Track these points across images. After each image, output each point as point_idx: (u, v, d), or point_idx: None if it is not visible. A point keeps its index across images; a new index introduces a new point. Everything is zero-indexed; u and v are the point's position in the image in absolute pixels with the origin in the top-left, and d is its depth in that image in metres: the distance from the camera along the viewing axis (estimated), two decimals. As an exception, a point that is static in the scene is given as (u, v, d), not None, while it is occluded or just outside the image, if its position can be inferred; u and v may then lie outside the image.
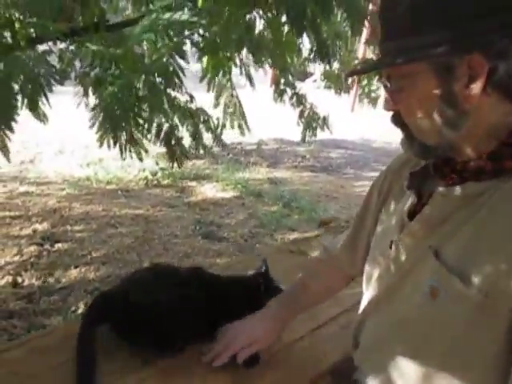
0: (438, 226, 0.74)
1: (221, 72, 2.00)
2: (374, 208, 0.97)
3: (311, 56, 3.29)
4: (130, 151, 2.08)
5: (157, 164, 4.82)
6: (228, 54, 1.54)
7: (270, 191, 4.73)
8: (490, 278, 0.65)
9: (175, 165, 2.90)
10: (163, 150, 5.68)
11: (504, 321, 0.65)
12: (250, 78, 2.60)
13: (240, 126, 2.87)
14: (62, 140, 5.57)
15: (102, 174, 4.58)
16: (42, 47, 1.95)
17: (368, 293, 0.92)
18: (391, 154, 7.07)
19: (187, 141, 2.86)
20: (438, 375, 0.75)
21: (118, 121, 1.59)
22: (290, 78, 3.79)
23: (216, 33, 1.30)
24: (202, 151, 2.79)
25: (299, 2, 1.26)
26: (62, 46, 2.53)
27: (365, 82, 4.82)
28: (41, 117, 2.76)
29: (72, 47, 2.30)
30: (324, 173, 5.71)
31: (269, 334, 1.05)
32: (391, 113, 0.77)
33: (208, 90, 2.69)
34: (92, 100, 2.82)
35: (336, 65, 4.11)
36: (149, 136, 2.15)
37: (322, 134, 3.84)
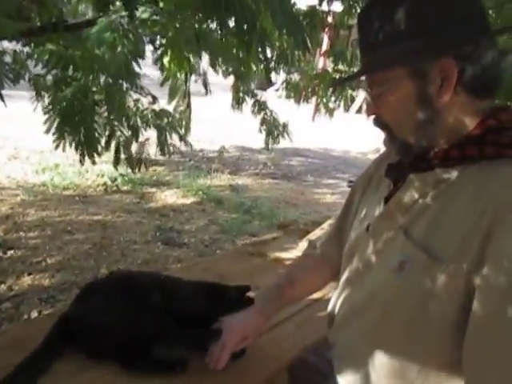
0: (408, 208, 0.81)
1: (181, 74, 2.00)
2: (356, 201, 1.04)
3: (272, 65, 3.36)
4: (85, 155, 2.03)
5: (116, 170, 4.74)
6: (189, 55, 1.56)
7: (230, 198, 4.73)
8: (450, 248, 0.72)
9: (135, 169, 2.87)
10: (123, 155, 5.59)
11: (461, 289, 0.71)
12: (205, 84, 2.62)
13: (186, 127, 2.88)
14: (16, 145, 5.39)
15: (58, 179, 4.45)
16: (-5, 46, 1.90)
17: (345, 273, 0.96)
18: (349, 162, 7.25)
19: (153, 141, 2.85)
20: (398, 343, 0.80)
21: (74, 123, 1.56)
22: (252, 85, 3.84)
23: (176, 31, 1.31)
24: (167, 154, 2.76)
25: (248, 15, 1.29)
26: (17, 47, 2.48)
27: (320, 93, 4.94)
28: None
29: (26, 48, 2.26)
30: (284, 180, 5.77)
31: (257, 328, 1.08)
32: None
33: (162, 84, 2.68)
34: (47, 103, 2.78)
35: (296, 75, 4.19)
36: (102, 142, 2.11)
37: (283, 143, 3.91)
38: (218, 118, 7.81)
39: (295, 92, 3.74)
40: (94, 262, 3.07)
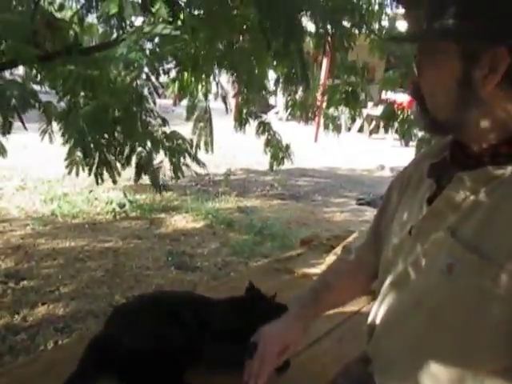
0: (455, 208, 0.77)
1: (201, 90, 2.01)
2: (394, 201, 0.99)
3: (280, 83, 3.37)
4: (102, 175, 2.00)
5: (125, 196, 4.72)
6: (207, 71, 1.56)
7: (240, 220, 4.69)
8: (504, 250, 0.68)
9: (144, 196, 2.85)
10: (131, 182, 5.59)
11: None
12: (225, 102, 2.62)
13: (207, 143, 2.87)
14: (23, 176, 5.39)
15: (67, 208, 4.42)
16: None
17: (386, 281, 0.91)
18: (356, 180, 7.24)
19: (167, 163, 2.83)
20: (451, 350, 0.76)
21: (91, 142, 1.54)
22: (253, 108, 3.84)
23: (198, 48, 1.30)
24: (180, 176, 2.74)
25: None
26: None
27: (329, 110, 4.96)
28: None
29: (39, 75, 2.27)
30: (293, 200, 5.74)
31: (297, 336, 1.02)
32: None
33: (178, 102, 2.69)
34: (55, 129, 2.77)
35: (300, 93, 4.22)
36: (121, 160, 2.09)
37: (288, 164, 3.91)
38: (220, 143, 7.83)
39: (301, 110, 3.73)
40: (107, 289, 3.01)
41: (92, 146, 1.62)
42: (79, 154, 2.46)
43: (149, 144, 2.21)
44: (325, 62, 9.77)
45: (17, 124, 2.58)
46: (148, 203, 4.83)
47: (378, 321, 0.92)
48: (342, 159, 8.58)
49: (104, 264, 3.37)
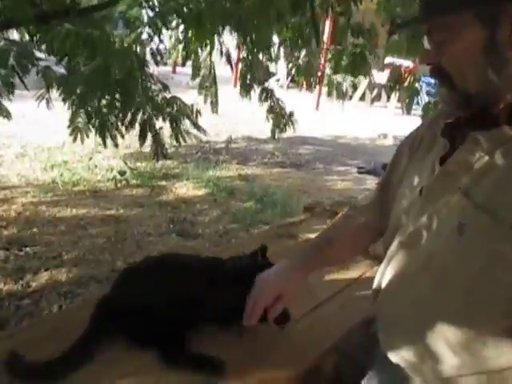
0: (469, 168, 0.76)
1: (206, 48, 1.95)
2: (404, 163, 0.97)
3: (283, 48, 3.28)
4: (105, 138, 1.97)
5: (125, 164, 4.69)
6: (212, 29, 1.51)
7: (241, 188, 4.68)
8: None
9: (144, 164, 2.82)
10: (131, 150, 5.56)
11: None
12: (228, 57, 2.56)
13: (212, 103, 2.82)
14: (22, 143, 5.34)
15: (67, 176, 4.40)
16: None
17: (394, 242, 0.90)
18: (357, 148, 7.18)
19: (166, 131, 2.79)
20: (460, 309, 0.76)
21: (93, 105, 1.50)
22: (256, 74, 3.77)
23: (202, 5, 1.26)
24: (180, 141, 2.70)
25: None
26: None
27: (334, 76, 4.87)
28: (3, 113, 2.63)
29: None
30: (294, 168, 5.71)
31: (292, 284, 1.01)
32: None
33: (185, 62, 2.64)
34: (54, 96, 2.72)
35: (302, 58, 4.13)
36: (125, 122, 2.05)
37: (289, 132, 3.86)
38: (220, 111, 7.75)
39: (306, 75, 3.66)
40: (109, 256, 3.03)
41: (94, 108, 1.57)
42: (81, 120, 2.43)
43: (149, 109, 2.16)
44: (327, 25, 9.54)
45: (15, 92, 2.54)
46: (148, 171, 4.81)
47: (384, 281, 0.91)
48: (344, 128, 8.49)
49: (106, 231, 3.37)
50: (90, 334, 0.91)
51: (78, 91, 1.57)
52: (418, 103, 11.43)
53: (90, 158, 4.90)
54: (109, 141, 3.07)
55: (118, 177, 4.46)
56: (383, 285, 0.92)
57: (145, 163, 5.00)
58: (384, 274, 0.92)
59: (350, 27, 2.78)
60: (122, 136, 2.18)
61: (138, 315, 0.94)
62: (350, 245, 1.11)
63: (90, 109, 1.69)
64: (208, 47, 1.91)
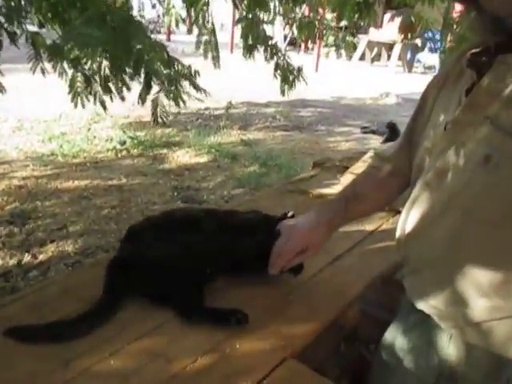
0: (497, 95, 0.69)
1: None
2: (430, 104, 0.90)
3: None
4: (110, 91, 1.87)
5: (124, 133, 4.61)
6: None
7: (244, 152, 4.61)
8: None
9: (143, 133, 2.72)
10: (129, 119, 5.46)
11: None
12: None
13: (214, 58, 2.71)
14: (18, 117, 5.24)
15: (66, 147, 4.32)
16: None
17: (417, 184, 0.84)
18: (360, 108, 7.06)
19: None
20: (490, 246, 0.71)
21: (95, 49, 1.41)
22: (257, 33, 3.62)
23: None
24: (182, 105, 2.60)
25: None
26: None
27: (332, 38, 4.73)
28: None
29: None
30: (296, 131, 5.61)
31: (319, 239, 0.99)
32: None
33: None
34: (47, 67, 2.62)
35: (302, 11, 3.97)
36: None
37: (298, 87, 3.72)
38: (218, 77, 7.58)
39: (308, 31, 3.51)
40: (115, 225, 3.00)
41: (92, 68, 1.48)
42: (80, 84, 2.34)
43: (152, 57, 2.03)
44: None
45: (6, 66, 2.43)
46: (149, 140, 4.73)
47: (408, 225, 0.85)
48: (345, 88, 8.33)
49: (109, 201, 3.33)
50: (107, 295, 0.87)
51: (71, 48, 1.47)
52: (419, 61, 11.27)
53: (89, 129, 4.82)
54: (107, 109, 3.00)
55: (119, 146, 4.39)
56: (408, 227, 0.86)
57: (144, 132, 4.92)
58: (407, 218, 0.86)
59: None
60: (128, 88, 2.08)
61: (152, 271, 0.90)
62: (377, 198, 1.06)
63: (87, 67, 1.60)
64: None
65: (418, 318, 0.85)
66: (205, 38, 2.70)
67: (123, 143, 4.42)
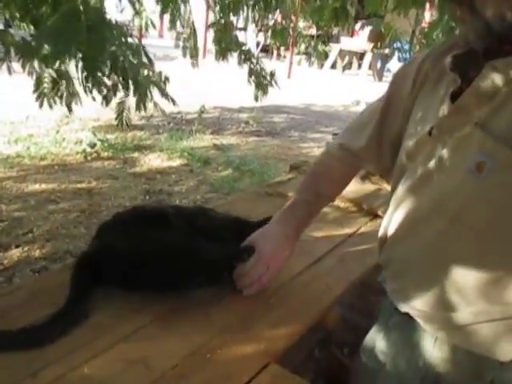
0: (487, 100, 0.68)
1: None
2: (405, 99, 0.89)
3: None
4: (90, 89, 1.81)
5: (94, 135, 4.50)
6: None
7: (217, 157, 4.58)
8: None
9: (114, 136, 2.67)
10: (100, 122, 5.35)
11: None
12: None
13: (192, 53, 2.69)
14: (-18, 118, 5.06)
15: (34, 149, 4.19)
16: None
17: (401, 186, 0.83)
18: (332, 115, 7.14)
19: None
20: (476, 251, 0.71)
21: (68, 46, 1.36)
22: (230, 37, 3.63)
23: None
24: (150, 109, 2.56)
25: None
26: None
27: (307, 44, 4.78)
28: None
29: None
30: (269, 137, 5.62)
31: (291, 252, 1.01)
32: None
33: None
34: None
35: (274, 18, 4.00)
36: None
37: (271, 92, 3.73)
38: (190, 81, 7.54)
39: (282, 38, 3.54)
40: (84, 230, 2.91)
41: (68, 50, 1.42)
42: (46, 85, 2.26)
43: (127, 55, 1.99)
44: None
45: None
46: (119, 143, 4.64)
47: (392, 227, 0.84)
48: (317, 95, 8.42)
49: (78, 204, 3.24)
50: (76, 293, 0.83)
51: (43, 45, 1.42)
52: (388, 70, 11.51)
53: (58, 131, 4.68)
54: (76, 112, 2.91)
55: (88, 149, 4.28)
56: (391, 231, 0.85)
57: (115, 135, 4.82)
58: (391, 220, 0.85)
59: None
60: (107, 88, 2.02)
61: (126, 261, 0.87)
62: (336, 193, 1.11)
63: (55, 68, 1.55)
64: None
65: (401, 321, 0.84)
66: (183, 36, 2.67)
67: (93, 146, 4.31)
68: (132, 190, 3.60)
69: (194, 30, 2.73)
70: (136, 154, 4.46)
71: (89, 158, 4.21)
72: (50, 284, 0.90)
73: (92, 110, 4.19)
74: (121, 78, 1.91)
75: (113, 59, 1.64)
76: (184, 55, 2.89)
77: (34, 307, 0.83)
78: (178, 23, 2.66)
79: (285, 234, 0.99)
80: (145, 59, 2.07)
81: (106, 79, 2.09)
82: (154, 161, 4.34)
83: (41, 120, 5.09)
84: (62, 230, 2.88)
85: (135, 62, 1.90)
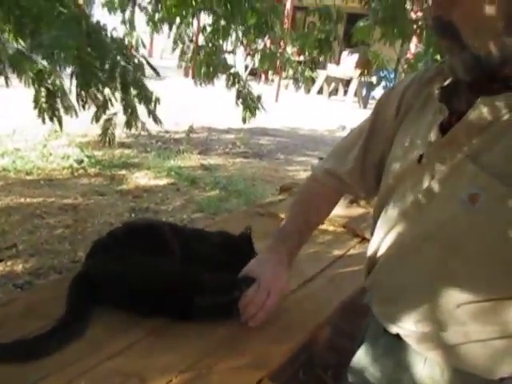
0: (478, 134, 0.71)
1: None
2: (388, 124, 0.92)
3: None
4: (84, 100, 1.83)
5: (82, 151, 4.49)
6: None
7: (204, 177, 4.60)
8: None
9: (102, 152, 2.68)
10: (87, 138, 5.33)
11: None
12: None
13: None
14: (-31, 131, 5.02)
15: (20, 163, 4.16)
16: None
17: (389, 211, 0.86)
18: (317, 139, 7.24)
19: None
20: (467, 279, 0.73)
21: (70, 51, 1.37)
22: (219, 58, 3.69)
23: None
24: (138, 126, 2.59)
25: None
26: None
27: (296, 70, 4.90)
28: None
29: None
30: (256, 158, 5.67)
31: (288, 280, 1.02)
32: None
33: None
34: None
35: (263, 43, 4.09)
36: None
37: (257, 116, 3.79)
38: (178, 101, 7.60)
39: (270, 62, 3.62)
40: (69, 246, 2.88)
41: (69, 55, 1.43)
42: (43, 99, 2.27)
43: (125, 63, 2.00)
44: (288, 5, 9.45)
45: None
46: (107, 159, 4.64)
47: (382, 251, 0.87)
48: (303, 119, 8.55)
49: (64, 220, 3.21)
50: (73, 308, 0.84)
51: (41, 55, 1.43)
52: (373, 97, 11.75)
53: (45, 146, 4.66)
54: (64, 127, 2.92)
55: (75, 165, 4.27)
56: (380, 255, 0.87)
57: (102, 151, 4.82)
58: (381, 245, 0.87)
59: (319, 11, 2.75)
60: (106, 100, 2.04)
61: (120, 283, 0.87)
62: (324, 218, 1.14)
63: (50, 82, 1.56)
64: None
65: (390, 342, 0.85)
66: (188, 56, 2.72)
67: (80, 162, 4.30)
68: (118, 207, 3.59)
69: (198, 50, 2.79)
70: (123, 172, 4.45)
71: (75, 173, 4.19)
72: (45, 297, 0.91)
73: (80, 125, 4.20)
74: (119, 85, 1.92)
75: (112, 66, 1.65)
76: (178, 67, 2.94)
77: (30, 319, 0.83)
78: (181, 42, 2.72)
79: (279, 261, 1.00)
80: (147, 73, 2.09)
81: (99, 94, 2.12)
82: (141, 179, 4.34)
83: (28, 134, 5.07)
84: (46, 245, 2.85)
85: (138, 74, 1.92)
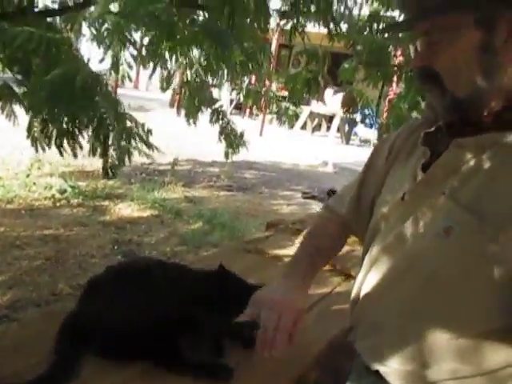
0: (453, 173, 0.77)
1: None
2: (380, 169, 0.98)
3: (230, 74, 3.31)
4: (62, 146, 1.85)
5: (65, 181, 4.46)
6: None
7: (188, 209, 4.59)
8: (504, 212, 0.70)
9: (85, 183, 2.67)
10: (70, 168, 5.30)
11: None
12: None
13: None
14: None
15: (1, 192, 4.10)
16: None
17: (373, 249, 0.89)
18: (301, 174, 7.33)
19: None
20: (446, 311, 0.76)
21: (62, 106, 1.40)
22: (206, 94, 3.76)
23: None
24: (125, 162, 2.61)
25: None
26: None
27: (280, 104, 5.00)
28: None
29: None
30: (240, 192, 5.70)
31: (305, 302, 1.00)
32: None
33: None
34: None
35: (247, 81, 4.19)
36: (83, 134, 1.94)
37: (241, 152, 3.84)
38: (163, 133, 7.64)
39: (255, 100, 3.70)
40: (49, 278, 2.83)
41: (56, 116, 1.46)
42: (36, 129, 2.28)
43: (112, 116, 2.05)
44: (274, 44, 9.69)
45: None
46: (90, 190, 4.60)
47: (364, 288, 0.89)
48: (287, 154, 8.66)
49: (44, 251, 3.16)
50: (61, 358, 0.80)
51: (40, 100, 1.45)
52: (356, 134, 12.03)
53: (28, 175, 4.61)
54: (46, 157, 2.90)
55: (58, 195, 4.22)
56: (363, 292, 0.89)
57: (86, 182, 4.79)
58: (364, 281, 0.90)
59: (307, 52, 2.85)
60: (81, 147, 2.06)
61: (112, 332, 0.85)
62: (334, 249, 1.12)
63: (49, 116, 1.58)
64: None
65: (372, 381, 0.86)
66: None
67: (63, 192, 4.27)
68: (101, 238, 3.55)
69: (192, 87, 2.84)
70: (106, 203, 4.42)
71: (58, 203, 4.15)
72: (32, 332, 0.89)
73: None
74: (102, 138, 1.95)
75: (99, 123, 1.68)
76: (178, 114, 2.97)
77: (18, 356, 0.82)
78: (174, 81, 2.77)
79: (293, 285, 0.96)
80: (129, 123, 2.13)
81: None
82: (124, 210, 4.32)
83: (10, 163, 5.03)
84: (25, 277, 2.79)
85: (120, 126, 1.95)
